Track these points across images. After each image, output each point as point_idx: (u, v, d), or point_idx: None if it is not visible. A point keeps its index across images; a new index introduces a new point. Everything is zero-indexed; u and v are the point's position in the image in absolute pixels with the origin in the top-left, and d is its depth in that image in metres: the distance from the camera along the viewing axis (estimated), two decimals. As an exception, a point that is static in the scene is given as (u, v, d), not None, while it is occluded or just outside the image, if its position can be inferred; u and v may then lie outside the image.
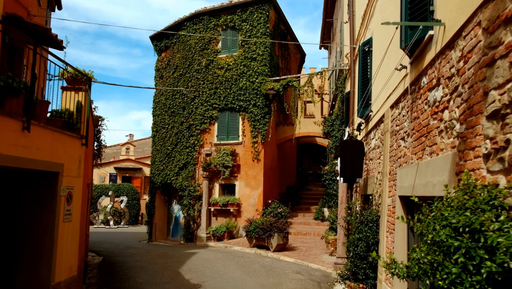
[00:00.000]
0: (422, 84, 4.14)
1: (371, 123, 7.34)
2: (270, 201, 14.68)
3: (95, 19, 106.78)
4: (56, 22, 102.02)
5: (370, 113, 7.36)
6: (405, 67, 4.72)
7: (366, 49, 7.98)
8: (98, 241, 16.55)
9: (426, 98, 3.97)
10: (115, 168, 33.98)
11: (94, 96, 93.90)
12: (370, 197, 6.53)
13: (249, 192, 14.52)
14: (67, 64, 5.31)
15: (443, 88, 3.46)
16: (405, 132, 4.79)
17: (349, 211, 7.71)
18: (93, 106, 8.88)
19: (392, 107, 5.62)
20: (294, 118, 14.82)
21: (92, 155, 9.12)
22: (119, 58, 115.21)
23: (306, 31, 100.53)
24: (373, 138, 7.34)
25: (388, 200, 5.54)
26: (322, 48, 24.63)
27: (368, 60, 7.99)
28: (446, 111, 3.35)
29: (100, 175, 34.11)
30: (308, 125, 16.10)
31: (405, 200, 4.78)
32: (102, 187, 29.79)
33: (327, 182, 14.50)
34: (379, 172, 6.53)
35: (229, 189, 15.12)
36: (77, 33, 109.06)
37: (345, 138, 7.82)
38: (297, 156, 21.76)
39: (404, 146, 4.83)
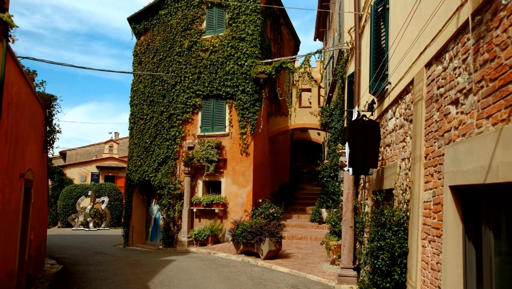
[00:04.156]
0: (503, 3, 2.54)
1: (389, 99, 5.76)
2: (260, 201, 13.00)
3: (86, 21, 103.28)
4: (47, 23, 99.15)
5: (387, 86, 5.78)
6: (460, -8, 3.13)
7: (381, 8, 6.44)
8: (67, 246, 14.71)
9: (516, 20, 2.37)
10: (97, 167, 32.10)
11: (85, 97, 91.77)
12: (393, 191, 4.92)
13: (237, 190, 12.83)
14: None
15: None
16: (461, 90, 3.19)
17: (362, 210, 6.12)
18: (39, 80, 7.13)
19: (428, 64, 4.04)
20: (288, 106, 13.12)
21: (39, 139, 7.29)
22: (112, 59, 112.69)
23: (299, 33, 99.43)
24: (391, 118, 5.75)
25: (425, 194, 3.92)
26: (317, 40, 23.17)
27: (382, 23, 6.47)
28: None
29: (82, 174, 32.20)
30: (304, 115, 14.43)
31: (462, 193, 3.17)
32: (82, 186, 27.82)
33: (325, 179, 12.90)
34: (403, 159, 4.94)
35: (214, 186, 13.38)
36: (69, 34, 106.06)
37: (354, 118, 6.20)
38: (290, 152, 20.10)
39: (458, 112, 3.22)
